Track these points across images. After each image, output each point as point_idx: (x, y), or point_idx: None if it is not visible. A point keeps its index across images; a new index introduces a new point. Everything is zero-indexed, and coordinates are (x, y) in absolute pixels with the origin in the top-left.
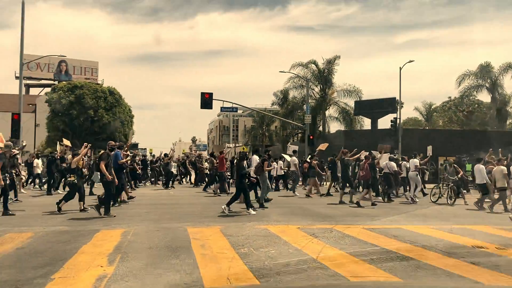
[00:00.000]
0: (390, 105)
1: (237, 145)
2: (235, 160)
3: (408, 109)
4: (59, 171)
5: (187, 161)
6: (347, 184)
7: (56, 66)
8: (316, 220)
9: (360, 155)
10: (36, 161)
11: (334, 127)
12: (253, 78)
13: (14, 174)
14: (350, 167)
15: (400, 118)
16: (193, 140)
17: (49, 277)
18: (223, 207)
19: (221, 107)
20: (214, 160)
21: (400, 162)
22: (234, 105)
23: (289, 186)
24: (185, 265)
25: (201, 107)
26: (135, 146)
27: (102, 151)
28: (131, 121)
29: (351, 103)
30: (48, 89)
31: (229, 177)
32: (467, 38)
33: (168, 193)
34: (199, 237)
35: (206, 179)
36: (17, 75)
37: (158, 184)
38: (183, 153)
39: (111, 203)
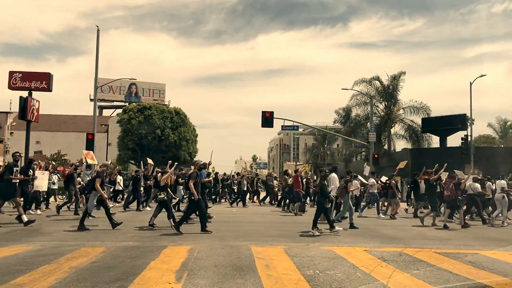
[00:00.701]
0: (460, 121)
1: (297, 163)
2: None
3: (479, 126)
4: (145, 189)
5: (255, 179)
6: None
7: (127, 89)
8: (383, 242)
9: (440, 174)
10: (119, 177)
11: (400, 145)
12: (314, 96)
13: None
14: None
15: (471, 136)
16: (254, 158)
17: None
18: (311, 232)
19: (282, 126)
20: (288, 178)
21: (486, 183)
22: (295, 124)
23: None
24: (251, 285)
25: (262, 126)
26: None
27: (191, 170)
28: (195, 140)
29: (418, 120)
30: (119, 110)
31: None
32: None
33: (231, 211)
34: (263, 257)
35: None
36: (92, 97)
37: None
38: (244, 172)
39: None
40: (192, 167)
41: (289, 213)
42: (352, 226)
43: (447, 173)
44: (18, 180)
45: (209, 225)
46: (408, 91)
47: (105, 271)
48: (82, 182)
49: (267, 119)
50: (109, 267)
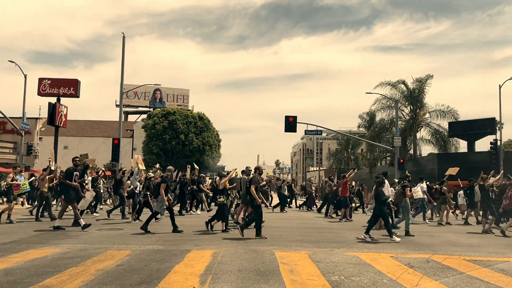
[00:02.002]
0: (489, 126)
1: (321, 168)
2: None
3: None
4: (191, 193)
5: (292, 184)
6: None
7: (151, 94)
8: (410, 248)
9: (496, 180)
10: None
11: (426, 150)
12: (337, 100)
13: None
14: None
15: (501, 140)
16: (277, 163)
17: None
18: (362, 236)
19: (305, 130)
20: (332, 184)
21: None
22: (318, 128)
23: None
24: None
25: (285, 131)
26: (222, 169)
27: (251, 175)
28: (219, 145)
29: (445, 124)
30: (144, 116)
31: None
32: None
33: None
34: (287, 262)
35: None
36: (118, 103)
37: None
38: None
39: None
40: (232, 172)
41: (330, 218)
42: (407, 233)
43: (497, 177)
44: (75, 184)
45: (231, 228)
46: (434, 94)
47: (130, 274)
48: (131, 186)
49: (291, 124)
50: (134, 270)
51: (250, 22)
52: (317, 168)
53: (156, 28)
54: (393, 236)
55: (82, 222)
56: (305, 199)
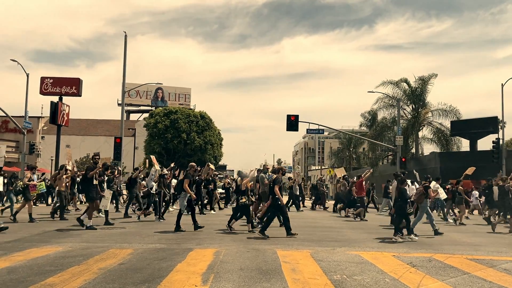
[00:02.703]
0: (491, 124)
1: (323, 167)
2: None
3: None
4: (207, 192)
5: (302, 184)
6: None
7: (153, 93)
8: (411, 247)
9: None
10: (173, 181)
11: (428, 149)
12: (339, 99)
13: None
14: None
15: (503, 139)
16: (279, 162)
17: None
18: (394, 238)
19: (307, 129)
20: (346, 183)
21: None
22: (320, 127)
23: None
24: None
25: (287, 129)
26: (223, 168)
27: (275, 176)
28: (220, 144)
29: (447, 124)
30: (146, 115)
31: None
32: None
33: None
34: (289, 261)
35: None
36: (119, 102)
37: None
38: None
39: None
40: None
41: (335, 217)
42: (437, 232)
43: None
44: (96, 182)
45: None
46: (436, 93)
47: (132, 273)
48: (147, 187)
49: (292, 123)
50: (136, 269)
51: (252, 21)
52: (319, 167)
53: (157, 27)
54: (411, 235)
55: (90, 223)
56: (313, 199)
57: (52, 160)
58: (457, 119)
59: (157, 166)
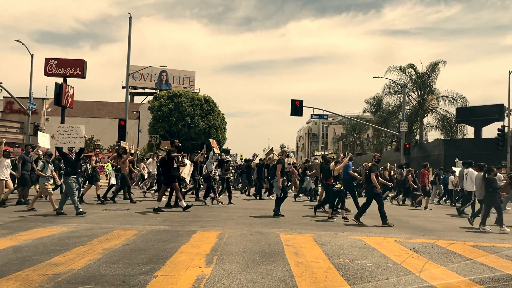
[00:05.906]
0: (497, 112)
1: (327, 153)
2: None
3: None
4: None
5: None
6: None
7: (157, 76)
8: (415, 233)
9: None
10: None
11: (433, 135)
12: (344, 84)
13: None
14: None
15: (508, 126)
16: (282, 147)
17: (152, 274)
18: (481, 228)
19: (311, 114)
20: (403, 172)
21: None
22: (325, 112)
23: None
24: (280, 272)
25: (291, 114)
26: (227, 152)
27: (370, 163)
28: (224, 128)
29: (452, 110)
30: (150, 97)
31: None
32: None
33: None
34: (292, 244)
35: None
36: (124, 84)
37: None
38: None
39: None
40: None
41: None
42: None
43: None
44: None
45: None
46: (442, 80)
47: (137, 253)
48: (207, 170)
49: (297, 108)
50: (140, 249)
51: (258, 3)
52: (322, 153)
53: (162, 8)
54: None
55: (184, 203)
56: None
57: (131, 145)
58: (463, 106)
59: (216, 150)
